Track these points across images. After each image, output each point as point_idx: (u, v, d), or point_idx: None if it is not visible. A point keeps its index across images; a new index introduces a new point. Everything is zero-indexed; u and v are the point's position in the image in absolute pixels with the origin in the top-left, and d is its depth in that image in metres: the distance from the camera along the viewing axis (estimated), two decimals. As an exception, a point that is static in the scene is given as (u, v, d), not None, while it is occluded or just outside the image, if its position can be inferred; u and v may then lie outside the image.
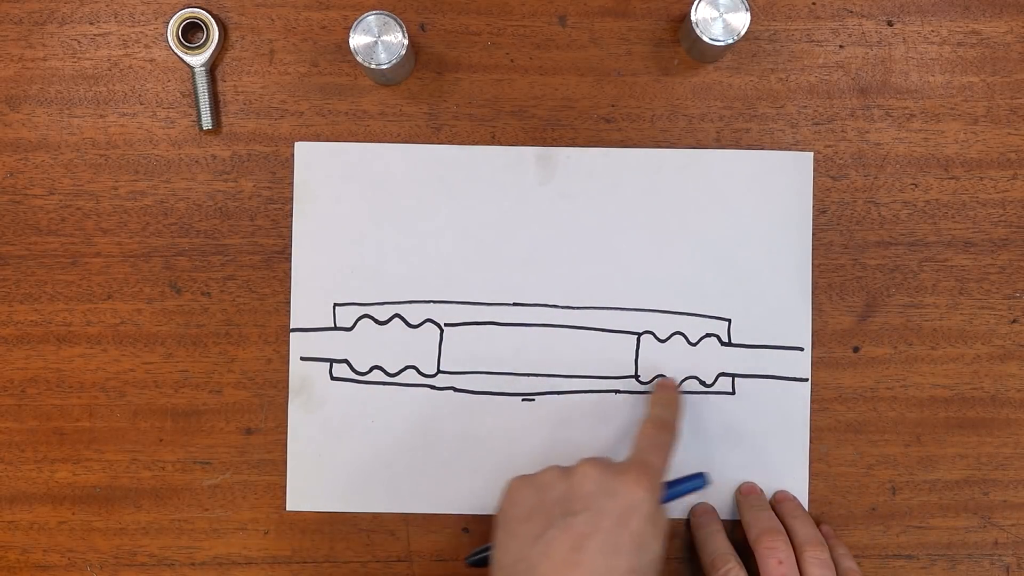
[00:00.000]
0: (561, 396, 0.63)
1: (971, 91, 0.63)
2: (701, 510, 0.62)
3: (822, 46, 0.63)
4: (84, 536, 0.63)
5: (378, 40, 0.59)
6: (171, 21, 0.62)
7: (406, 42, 0.59)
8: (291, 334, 0.63)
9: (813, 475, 0.63)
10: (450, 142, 0.63)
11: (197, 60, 0.62)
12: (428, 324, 0.63)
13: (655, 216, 0.63)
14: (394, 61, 0.59)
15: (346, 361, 0.63)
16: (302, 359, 0.63)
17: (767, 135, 0.63)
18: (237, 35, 0.63)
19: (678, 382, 0.62)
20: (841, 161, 0.63)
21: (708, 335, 0.63)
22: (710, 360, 0.63)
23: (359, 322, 0.63)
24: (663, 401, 0.61)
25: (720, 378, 0.63)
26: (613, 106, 0.63)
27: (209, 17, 0.62)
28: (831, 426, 0.63)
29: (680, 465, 0.63)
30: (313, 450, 0.63)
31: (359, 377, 0.63)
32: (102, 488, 0.63)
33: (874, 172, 0.63)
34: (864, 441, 0.63)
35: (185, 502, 0.63)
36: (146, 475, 0.63)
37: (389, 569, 0.63)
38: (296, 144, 0.63)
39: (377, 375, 0.63)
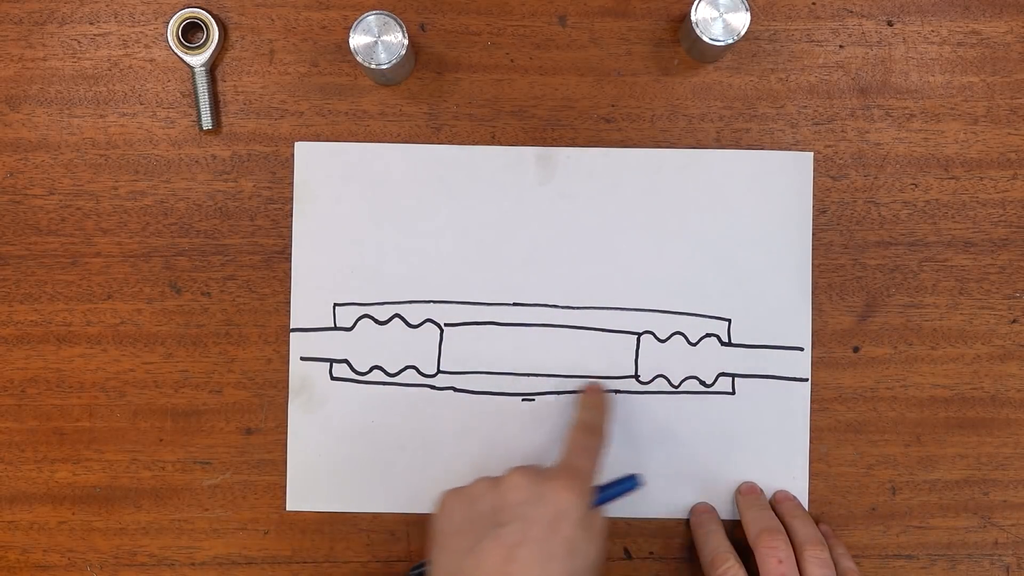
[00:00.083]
0: (561, 396, 0.63)
1: (971, 91, 0.63)
2: (701, 510, 0.62)
3: (822, 46, 0.63)
4: (84, 536, 0.63)
5: (378, 40, 0.59)
6: (171, 21, 0.62)
7: (406, 42, 0.59)
8: (291, 334, 0.63)
9: (813, 475, 0.63)
10: (450, 142, 0.63)
11: (197, 60, 0.62)
12: (428, 324, 0.63)
13: (655, 216, 0.63)
14: (394, 61, 0.59)
15: (346, 361, 0.63)
16: (302, 359, 0.63)
17: (767, 135, 0.63)
18: (237, 35, 0.63)
19: (607, 388, 0.62)
20: (841, 161, 0.63)
21: (708, 335, 0.63)
22: (710, 360, 0.63)
23: (359, 322, 0.63)
24: (590, 404, 0.61)
25: (720, 378, 0.63)
26: (613, 106, 0.63)
27: (209, 17, 0.62)
28: (831, 426, 0.63)
29: (680, 465, 0.63)
30: (313, 450, 0.63)
31: (359, 377, 0.63)
32: (102, 488, 0.63)
33: (874, 172, 0.63)
34: (864, 441, 0.63)
35: (185, 502, 0.63)
36: (146, 475, 0.63)
37: (389, 569, 0.63)
38: (296, 144, 0.63)
39: (377, 375, 0.63)
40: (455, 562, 0.53)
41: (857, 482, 0.63)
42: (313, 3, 0.63)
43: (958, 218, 0.63)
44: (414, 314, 0.63)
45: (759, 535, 0.58)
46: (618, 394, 0.63)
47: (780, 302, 0.63)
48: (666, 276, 0.63)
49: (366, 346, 0.63)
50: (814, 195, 0.63)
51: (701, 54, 0.62)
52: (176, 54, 0.62)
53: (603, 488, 0.58)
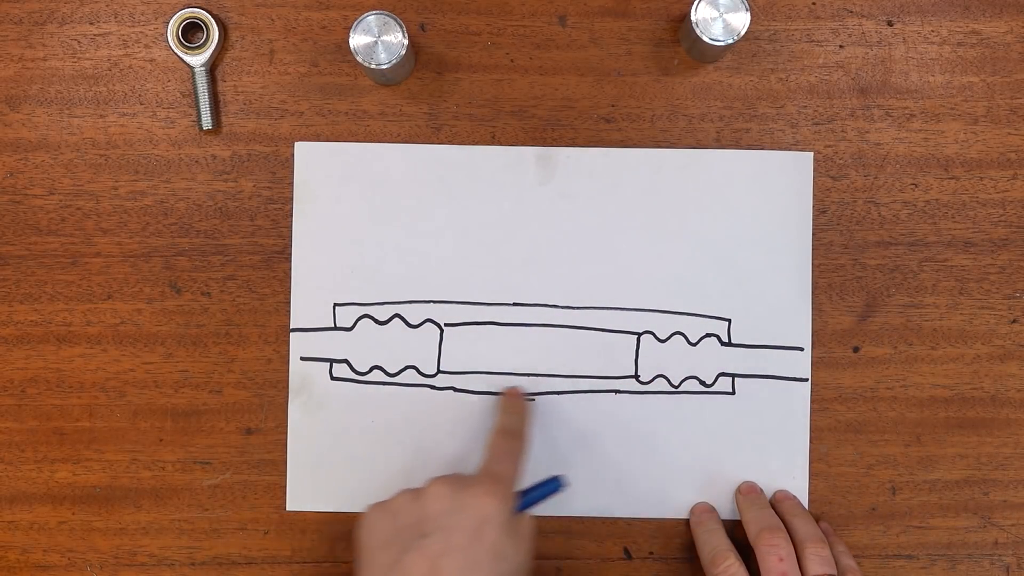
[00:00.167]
0: (561, 396, 0.63)
1: (971, 91, 0.63)
2: (701, 509, 0.62)
3: (822, 46, 0.63)
4: (84, 536, 0.63)
5: (378, 40, 0.59)
6: (171, 21, 0.62)
7: (406, 42, 0.59)
8: (291, 334, 0.63)
9: (813, 475, 0.63)
10: (450, 142, 0.63)
11: (197, 60, 0.62)
12: (428, 324, 0.63)
13: (655, 216, 0.63)
14: (394, 61, 0.59)
15: (346, 361, 0.63)
16: (302, 359, 0.63)
17: (767, 135, 0.63)
18: (237, 35, 0.63)
19: (525, 392, 0.62)
20: (841, 161, 0.63)
21: (708, 335, 0.63)
22: (710, 360, 0.63)
23: (359, 322, 0.63)
24: (510, 409, 0.61)
25: (720, 378, 0.63)
26: (613, 106, 0.63)
27: (209, 17, 0.62)
28: (831, 426, 0.63)
29: (680, 465, 0.63)
30: (313, 450, 0.63)
31: (359, 377, 0.63)
32: (102, 488, 0.63)
33: (874, 172, 0.63)
34: (864, 441, 0.63)
35: (185, 502, 0.63)
36: (146, 475, 0.63)
37: (389, 569, 0.63)
38: (296, 144, 0.63)
39: (377, 375, 0.63)
40: None
41: (857, 482, 0.63)
42: (313, 3, 0.63)
43: (958, 218, 0.63)
44: (414, 314, 0.63)
45: (760, 533, 0.58)
46: (618, 394, 0.63)
47: (780, 302, 0.63)
48: (666, 276, 0.63)
49: (366, 346, 0.63)
50: (814, 195, 0.63)
51: (701, 54, 0.62)
52: (176, 54, 0.62)
53: (527, 492, 0.58)
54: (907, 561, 0.63)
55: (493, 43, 0.63)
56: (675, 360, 0.63)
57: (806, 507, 0.62)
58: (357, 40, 0.59)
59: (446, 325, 0.63)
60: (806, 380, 0.63)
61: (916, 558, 0.63)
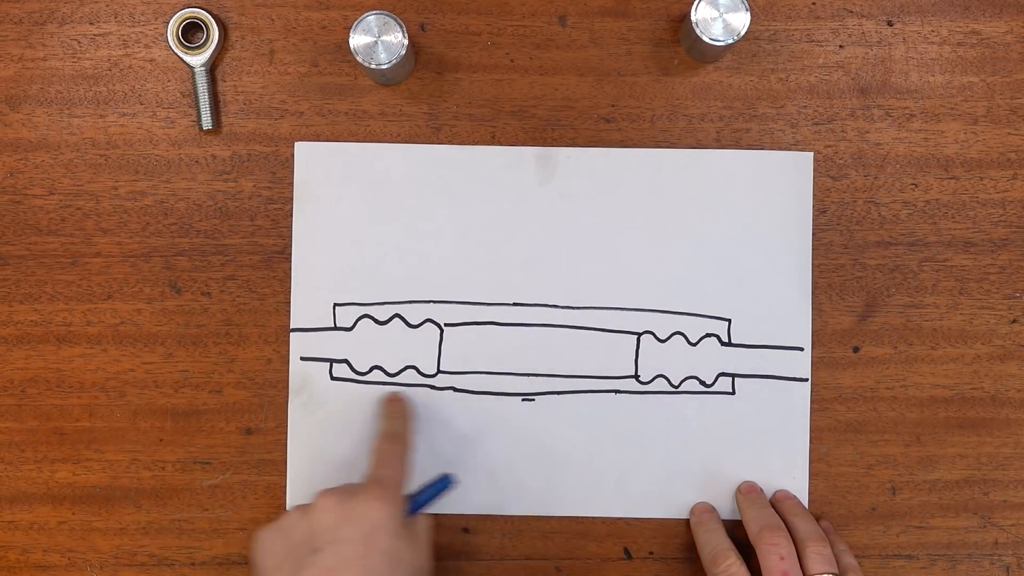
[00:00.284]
0: (561, 396, 0.63)
1: (971, 91, 0.63)
2: (701, 509, 0.62)
3: (822, 46, 0.63)
4: (84, 536, 0.63)
5: (378, 40, 0.59)
6: (171, 21, 0.62)
7: (406, 42, 0.59)
8: (291, 334, 0.63)
9: (813, 475, 0.63)
10: (450, 142, 0.63)
11: (197, 60, 0.62)
12: (428, 324, 0.63)
13: (655, 216, 0.63)
14: (394, 61, 0.59)
15: (346, 361, 0.63)
16: (302, 359, 0.63)
17: (767, 135, 0.63)
18: (237, 35, 0.63)
19: (404, 397, 0.62)
20: (841, 161, 0.63)
21: (708, 335, 0.63)
22: (710, 360, 0.63)
23: (359, 322, 0.63)
24: (392, 414, 0.61)
25: (720, 378, 0.63)
26: (613, 106, 0.63)
27: (209, 17, 0.62)
28: (831, 426, 0.63)
29: (680, 465, 0.63)
30: (313, 450, 0.63)
31: (359, 377, 0.63)
32: (102, 488, 0.63)
33: (874, 172, 0.63)
34: (864, 441, 0.63)
35: (185, 502, 0.63)
36: (146, 475, 0.63)
37: (389, 569, 0.63)
38: (296, 144, 0.63)
39: (377, 375, 0.63)
40: None
41: (857, 482, 0.63)
42: (313, 3, 0.63)
43: (958, 218, 0.63)
44: (414, 314, 0.63)
45: (760, 532, 0.58)
46: (618, 394, 0.63)
47: (780, 302, 0.63)
48: (666, 276, 0.63)
49: (366, 346, 0.63)
50: (814, 195, 0.63)
51: (701, 54, 0.62)
52: (176, 54, 0.62)
53: (417, 493, 0.58)
54: (907, 561, 0.63)
55: (493, 43, 0.63)
56: (675, 360, 0.63)
57: (806, 507, 0.62)
58: (357, 40, 0.59)
59: (446, 325, 0.63)
60: (806, 380, 0.63)
61: (916, 558, 0.63)
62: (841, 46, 0.63)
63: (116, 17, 0.63)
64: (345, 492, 0.54)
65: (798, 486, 0.63)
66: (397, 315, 0.63)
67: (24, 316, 0.63)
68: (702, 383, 0.63)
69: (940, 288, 0.63)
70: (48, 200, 0.63)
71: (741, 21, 0.59)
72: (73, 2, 0.63)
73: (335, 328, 0.63)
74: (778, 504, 0.62)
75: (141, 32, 0.63)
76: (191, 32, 0.63)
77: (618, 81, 0.63)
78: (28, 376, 0.63)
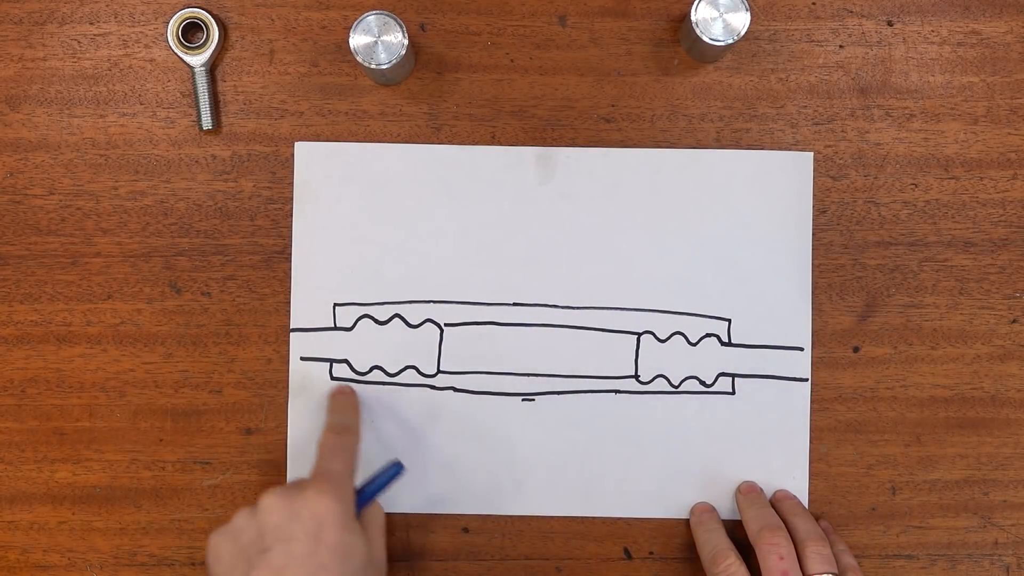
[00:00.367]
0: (561, 396, 0.63)
1: (971, 91, 0.63)
2: (701, 509, 0.62)
3: (822, 46, 0.63)
4: (84, 536, 0.63)
5: (378, 40, 0.59)
6: (171, 21, 0.62)
7: (406, 42, 0.59)
8: (291, 334, 0.63)
9: (813, 475, 0.63)
10: (450, 142, 0.63)
11: (197, 60, 0.62)
12: (428, 324, 0.63)
13: (655, 216, 0.63)
14: (394, 61, 0.59)
15: (346, 361, 0.63)
16: (302, 359, 0.63)
17: (767, 135, 0.63)
18: (237, 35, 0.63)
19: (351, 390, 0.62)
20: (841, 161, 0.63)
21: (708, 335, 0.63)
22: (710, 360, 0.63)
23: (359, 322, 0.63)
24: (339, 406, 0.61)
25: (720, 378, 0.63)
26: (613, 106, 0.63)
27: (209, 17, 0.62)
28: (831, 426, 0.63)
29: (680, 465, 0.63)
30: (313, 450, 0.63)
31: (359, 377, 0.63)
32: (102, 488, 0.63)
33: (874, 172, 0.63)
34: (864, 441, 0.63)
35: (185, 502, 0.63)
36: (146, 475, 0.63)
37: (389, 569, 0.63)
38: (296, 144, 0.63)
39: (377, 375, 0.63)
40: None
41: (857, 482, 0.63)
42: (313, 3, 0.63)
43: (958, 218, 0.63)
44: (414, 314, 0.63)
45: (760, 532, 0.58)
46: (618, 394, 0.63)
47: (780, 302, 0.63)
48: (666, 276, 0.63)
49: (366, 346, 0.63)
50: (814, 195, 0.63)
51: (701, 54, 0.62)
52: (176, 54, 0.62)
53: (367, 484, 0.58)
54: (907, 561, 0.63)
55: (493, 43, 0.63)
56: (675, 360, 0.63)
57: (806, 507, 0.62)
58: (357, 40, 0.59)
59: (446, 325, 0.63)
60: (806, 380, 0.63)
61: (916, 558, 0.63)
62: (841, 46, 0.63)
63: (116, 17, 0.63)
64: (291, 489, 0.54)
65: (798, 486, 0.63)
66: (397, 315, 0.63)
67: (24, 316, 0.63)
68: (702, 383, 0.63)
69: (940, 288, 0.63)
70: (48, 200, 0.63)
71: (741, 21, 0.59)
72: (73, 2, 0.63)
73: (335, 328, 0.63)
74: (778, 504, 0.62)
75: (141, 32, 0.63)
76: (191, 32, 0.63)
77: (618, 81, 0.63)
78: (28, 376, 0.63)
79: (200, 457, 0.63)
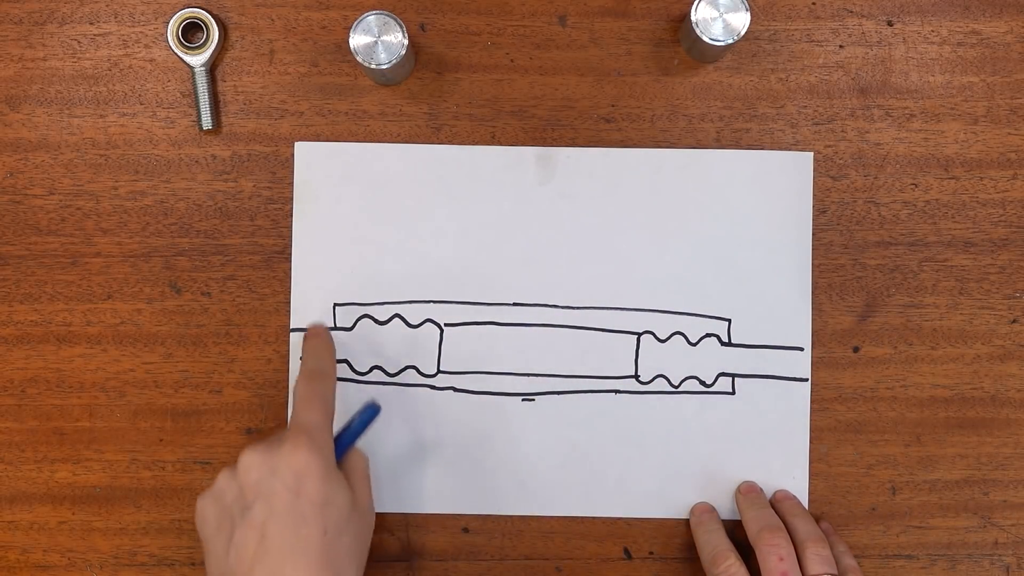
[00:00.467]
0: (561, 396, 0.63)
1: (971, 91, 0.63)
2: (701, 509, 0.62)
3: (822, 46, 0.63)
4: (84, 536, 0.63)
5: (378, 40, 0.59)
6: (171, 21, 0.62)
7: (406, 42, 0.59)
8: (291, 334, 0.63)
9: (813, 475, 0.63)
10: (450, 142, 0.63)
11: (197, 60, 0.62)
12: (428, 324, 0.63)
13: (655, 216, 0.63)
14: (394, 61, 0.59)
15: (346, 361, 0.63)
16: (302, 359, 0.63)
17: (767, 135, 0.63)
18: (237, 35, 0.63)
19: (323, 330, 0.61)
20: (841, 161, 0.63)
21: (708, 335, 0.63)
22: (710, 360, 0.63)
23: (359, 322, 0.63)
24: (312, 349, 0.60)
25: (720, 378, 0.63)
26: (613, 106, 0.63)
27: (209, 17, 0.62)
28: (831, 426, 0.63)
29: (680, 465, 0.63)
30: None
31: (359, 377, 0.63)
32: (102, 488, 0.63)
33: (874, 172, 0.63)
34: (864, 441, 0.63)
35: (185, 502, 0.63)
36: (146, 475, 0.63)
37: (389, 569, 0.63)
38: (296, 144, 0.63)
39: (377, 375, 0.63)
40: (221, 563, 0.53)
41: (857, 482, 0.63)
42: (313, 3, 0.63)
43: (958, 218, 0.63)
44: (414, 314, 0.63)
45: (760, 532, 0.58)
46: (618, 394, 0.63)
47: (780, 302, 0.63)
48: (666, 276, 0.63)
49: (366, 346, 0.63)
50: (814, 195, 0.63)
51: (701, 54, 0.62)
52: (176, 54, 0.62)
53: (344, 430, 0.58)
54: (907, 561, 0.63)
55: (493, 43, 0.63)
56: (675, 360, 0.63)
57: (806, 507, 0.62)
58: (357, 40, 0.59)
59: (446, 325, 0.63)
60: (806, 380, 0.63)
61: (916, 558, 0.63)
62: (841, 46, 0.63)
63: (116, 17, 0.63)
64: (269, 445, 0.54)
65: (798, 486, 0.63)
66: (397, 315, 0.63)
67: (24, 316, 0.63)
68: (702, 383, 0.63)
69: (940, 288, 0.63)
70: (48, 200, 0.63)
71: (741, 21, 0.59)
72: (73, 2, 0.63)
73: (335, 328, 0.63)
74: (778, 504, 0.62)
75: (141, 32, 0.63)
76: (191, 32, 0.63)
77: (618, 81, 0.63)
78: (28, 376, 0.63)
79: (200, 457, 0.63)
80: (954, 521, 0.63)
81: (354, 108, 0.63)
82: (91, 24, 0.63)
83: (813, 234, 0.63)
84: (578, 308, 0.63)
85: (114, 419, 0.63)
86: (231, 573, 0.52)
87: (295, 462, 0.53)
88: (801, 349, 0.63)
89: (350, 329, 0.63)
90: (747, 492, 0.62)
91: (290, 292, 0.63)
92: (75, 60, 0.63)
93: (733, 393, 0.63)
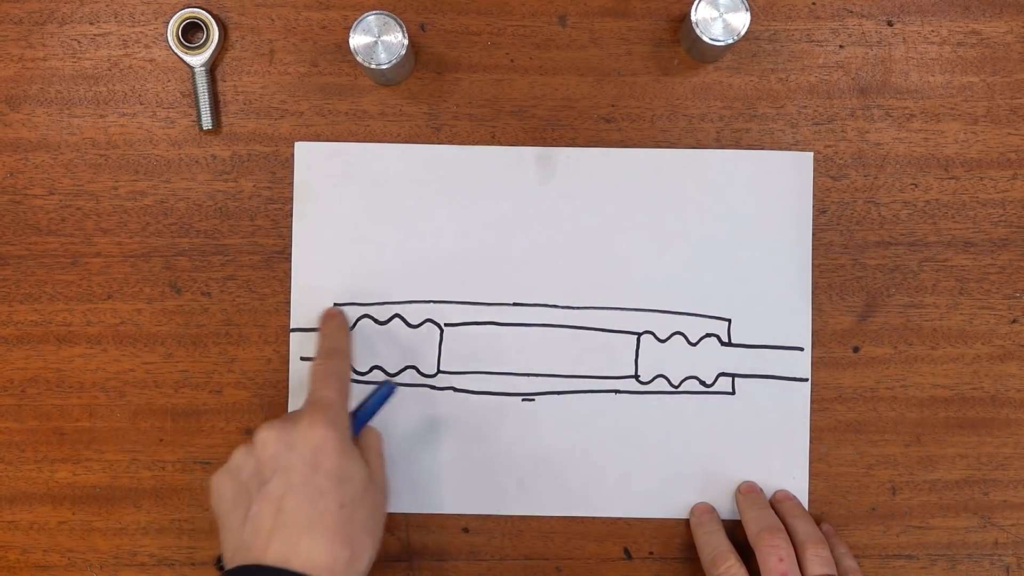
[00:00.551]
0: (561, 396, 0.63)
1: (971, 91, 0.63)
2: (701, 510, 0.62)
3: (822, 46, 0.63)
4: (84, 536, 0.63)
5: (378, 40, 0.59)
6: (171, 21, 0.62)
7: (406, 42, 0.59)
8: (291, 334, 0.63)
9: (813, 475, 0.63)
10: (450, 142, 0.63)
11: (197, 60, 0.62)
12: (428, 324, 0.63)
13: (655, 216, 0.63)
14: (394, 61, 0.59)
15: (346, 361, 0.63)
16: (302, 359, 0.63)
17: (767, 135, 0.63)
18: (237, 35, 0.63)
19: (340, 311, 0.62)
20: (841, 161, 0.63)
21: (708, 335, 0.63)
22: (710, 360, 0.63)
23: (359, 322, 0.63)
24: (329, 330, 0.61)
25: (720, 378, 0.63)
26: (613, 106, 0.63)
27: (209, 17, 0.62)
28: (831, 426, 0.63)
29: (680, 465, 0.63)
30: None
31: (359, 377, 0.63)
32: (102, 488, 0.63)
33: (874, 172, 0.63)
34: (864, 441, 0.63)
35: (185, 502, 0.63)
36: (146, 475, 0.63)
37: (389, 569, 0.63)
38: (296, 144, 0.63)
39: (377, 375, 0.63)
40: (237, 537, 0.53)
41: (857, 482, 0.63)
42: (313, 3, 0.63)
43: (958, 218, 0.63)
44: (414, 314, 0.63)
45: (760, 534, 0.58)
46: (618, 394, 0.63)
47: (780, 302, 0.63)
48: (666, 276, 0.63)
49: (366, 346, 0.63)
50: (814, 195, 0.63)
51: (701, 54, 0.62)
52: (176, 54, 0.62)
53: (360, 407, 0.58)
54: (907, 561, 0.63)
55: (493, 43, 0.63)
56: (675, 360, 0.63)
57: (806, 507, 0.62)
58: (357, 40, 0.59)
59: (446, 325, 0.63)
60: (806, 380, 0.63)
61: (916, 558, 0.63)
62: (841, 46, 0.63)
63: (116, 17, 0.63)
64: (286, 420, 0.55)
65: (798, 486, 0.63)
66: (397, 315, 0.63)
67: (24, 316, 0.63)
68: (702, 383, 0.63)
69: (940, 288, 0.63)
70: (48, 200, 0.63)
71: (741, 21, 0.59)
72: (73, 2, 0.63)
73: (335, 328, 0.63)
74: (778, 504, 0.62)
75: (141, 32, 0.63)
76: (191, 32, 0.63)
77: (618, 81, 0.63)
78: (28, 376, 0.63)
79: (200, 457, 0.63)
80: (954, 521, 0.63)
81: (354, 108, 0.63)
82: (91, 24, 0.63)
83: (813, 234, 0.63)
84: (578, 308, 0.63)
85: (114, 419, 0.63)
86: (247, 546, 0.52)
87: (312, 437, 0.53)
88: (801, 349, 0.63)
89: (350, 329, 0.63)
90: (747, 492, 0.62)
91: (290, 292, 0.63)
92: (75, 60, 0.63)
93: (733, 393, 0.63)
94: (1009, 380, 0.63)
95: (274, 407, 0.63)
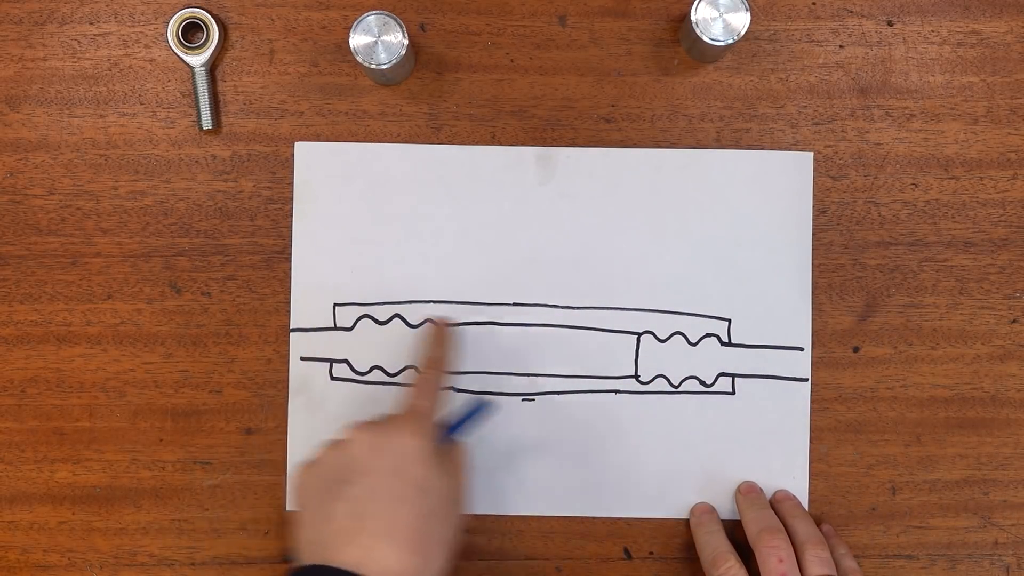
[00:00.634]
0: (561, 396, 0.63)
1: (971, 91, 0.63)
2: (701, 510, 0.62)
3: (822, 46, 0.63)
4: (84, 536, 0.63)
5: (378, 40, 0.59)
6: (171, 21, 0.62)
7: (406, 42, 0.59)
8: (291, 334, 0.63)
9: (813, 475, 0.63)
10: (450, 142, 0.63)
11: (197, 60, 0.62)
12: (428, 324, 0.63)
13: (655, 216, 0.63)
14: (394, 61, 0.59)
15: (346, 361, 0.63)
16: (302, 359, 0.63)
17: (767, 135, 0.63)
18: (237, 35, 0.63)
19: (443, 322, 0.62)
20: (841, 161, 0.63)
21: (708, 335, 0.63)
22: (710, 360, 0.63)
23: (359, 322, 0.63)
24: (435, 340, 0.61)
25: (720, 378, 0.63)
26: (613, 106, 0.63)
27: (209, 17, 0.62)
28: (831, 426, 0.63)
29: (680, 465, 0.63)
30: (313, 450, 0.63)
31: (359, 377, 0.63)
32: (102, 488, 0.63)
33: (874, 172, 0.63)
34: (864, 441, 0.63)
35: (185, 502, 0.63)
36: (146, 475, 0.63)
37: (389, 569, 0.63)
38: (296, 144, 0.63)
39: (377, 375, 0.63)
40: (316, 533, 0.53)
41: (857, 482, 0.63)
42: (313, 3, 0.63)
43: (958, 218, 0.63)
44: (414, 314, 0.63)
45: (760, 534, 0.58)
46: (618, 394, 0.63)
47: (780, 302, 0.63)
48: (666, 276, 0.63)
49: (366, 346, 0.63)
50: (814, 195, 0.63)
51: (701, 54, 0.62)
52: (176, 54, 0.62)
53: (451, 421, 0.58)
54: (907, 561, 0.63)
55: (493, 43, 0.63)
56: (675, 360, 0.63)
57: (806, 507, 0.62)
58: (357, 40, 0.59)
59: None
60: (806, 380, 0.63)
61: (916, 558, 0.63)
62: (841, 46, 0.63)
63: (116, 17, 0.63)
64: (376, 425, 0.55)
65: (798, 486, 0.63)
66: (397, 315, 0.63)
67: (24, 316, 0.63)
68: (702, 383, 0.63)
69: (940, 288, 0.63)
70: (48, 200, 0.63)
71: (741, 21, 0.59)
72: (73, 2, 0.63)
73: (335, 328, 0.63)
74: (778, 505, 0.62)
75: (141, 32, 0.63)
76: (191, 32, 0.63)
77: (618, 81, 0.63)
78: (28, 376, 0.63)
79: (200, 457, 0.63)
80: (954, 521, 0.63)
81: (354, 108, 0.63)
82: (91, 24, 0.63)
83: (813, 234, 0.63)
84: (578, 308, 0.63)
85: (114, 419, 0.63)
86: (323, 545, 0.52)
87: (401, 444, 0.53)
88: (801, 349, 0.63)
89: (350, 329, 0.63)
90: (747, 492, 0.62)
91: (290, 292, 0.63)
92: (75, 60, 0.63)
93: (733, 393, 0.63)
94: (1009, 380, 0.63)
95: (274, 407, 0.63)
